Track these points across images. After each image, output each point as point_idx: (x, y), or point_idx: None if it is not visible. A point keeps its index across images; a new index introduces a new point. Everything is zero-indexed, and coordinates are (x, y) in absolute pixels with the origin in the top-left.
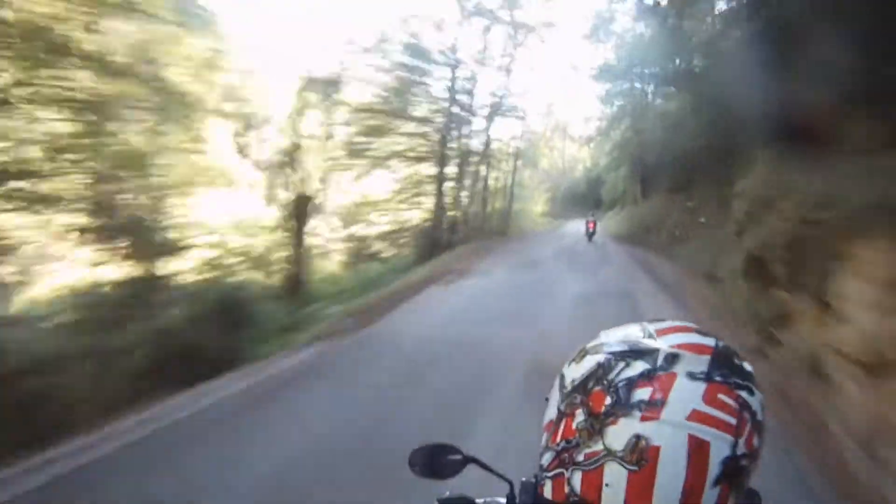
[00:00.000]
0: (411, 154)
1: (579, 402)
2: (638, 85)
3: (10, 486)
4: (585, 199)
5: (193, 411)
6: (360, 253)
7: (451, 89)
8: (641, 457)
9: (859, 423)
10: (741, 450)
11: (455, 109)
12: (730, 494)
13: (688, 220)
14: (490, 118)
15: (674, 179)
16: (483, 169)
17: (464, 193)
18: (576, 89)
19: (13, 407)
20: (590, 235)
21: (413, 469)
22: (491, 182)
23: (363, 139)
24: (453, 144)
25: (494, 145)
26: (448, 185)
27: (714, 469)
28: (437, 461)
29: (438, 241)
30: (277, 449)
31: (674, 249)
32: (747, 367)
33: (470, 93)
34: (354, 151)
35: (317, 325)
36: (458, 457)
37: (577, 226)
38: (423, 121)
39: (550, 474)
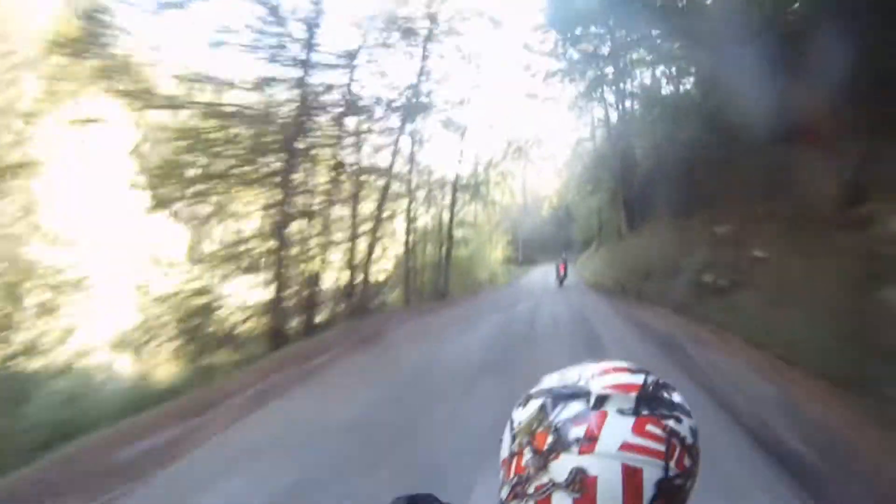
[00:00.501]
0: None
1: (526, 441)
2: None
3: None
4: (554, 239)
5: None
6: None
7: (307, 62)
8: (582, 486)
9: None
10: (673, 471)
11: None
12: None
13: (730, 257)
14: (404, 121)
15: (681, 197)
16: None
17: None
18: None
19: None
20: (560, 280)
21: None
22: (423, 221)
23: None
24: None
25: (416, 165)
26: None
27: (649, 491)
28: None
29: (280, 332)
30: None
31: (713, 309)
32: (676, 398)
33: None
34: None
35: None
36: None
37: (544, 275)
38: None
39: None
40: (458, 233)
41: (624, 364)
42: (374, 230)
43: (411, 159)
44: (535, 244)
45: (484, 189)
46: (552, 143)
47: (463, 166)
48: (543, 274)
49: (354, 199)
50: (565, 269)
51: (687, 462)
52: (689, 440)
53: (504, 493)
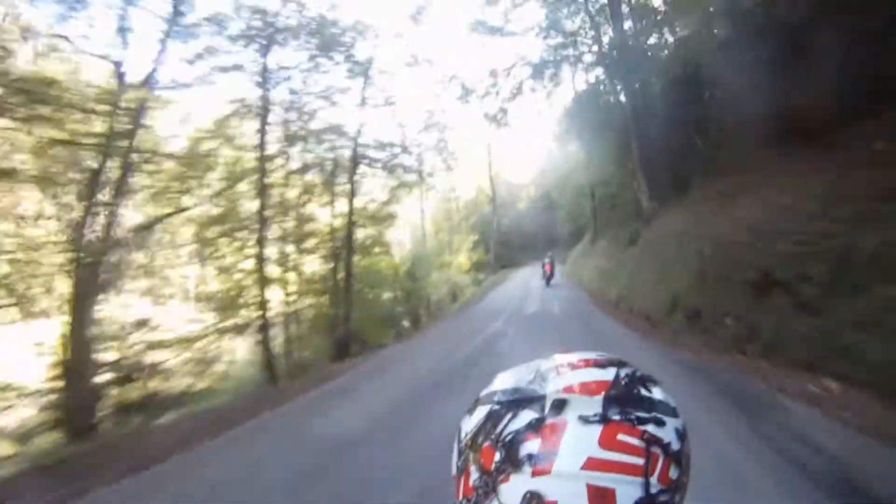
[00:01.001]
0: None
1: (472, 459)
2: None
3: None
4: (535, 238)
5: None
6: None
7: None
8: None
9: None
10: (656, 487)
11: None
12: None
13: None
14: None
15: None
16: None
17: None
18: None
19: None
20: (547, 280)
21: None
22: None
23: None
24: None
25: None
26: None
27: None
28: None
29: None
30: None
31: None
32: (657, 394)
33: None
34: None
35: None
36: None
37: (524, 284)
38: None
39: None
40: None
41: (591, 355)
42: None
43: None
44: (514, 244)
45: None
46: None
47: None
48: (523, 282)
49: None
50: (552, 269)
51: (673, 473)
52: (675, 446)
53: None
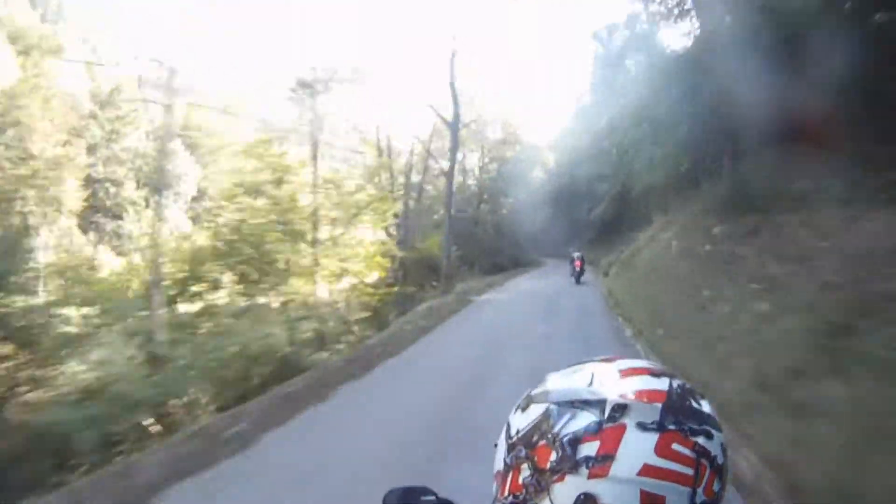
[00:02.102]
0: None
1: (524, 455)
2: None
3: None
4: (555, 223)
5: None
6: None
7: None
8: None
9: None
10: (700, 498)
11: None
12: None
13: None
14: None
15: None
16: None
17: None
18: None
19: None
20: (577, 277)
21: None
22: None
23: None
24: None
25: None
26: None
27: None
28: (411, 502)
29: None
30: None
31: None
32: (705, 407)
33: None
34: None
35: None
36: (432, 498)
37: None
38: None
39: None
40: None
41: (644, 364)
42: None
43: None
44: (519, 234)
45: None
46: None
47: None
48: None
49: None
50: (582, 265)
51: (716, 486)
52: (720, 460)
53: None
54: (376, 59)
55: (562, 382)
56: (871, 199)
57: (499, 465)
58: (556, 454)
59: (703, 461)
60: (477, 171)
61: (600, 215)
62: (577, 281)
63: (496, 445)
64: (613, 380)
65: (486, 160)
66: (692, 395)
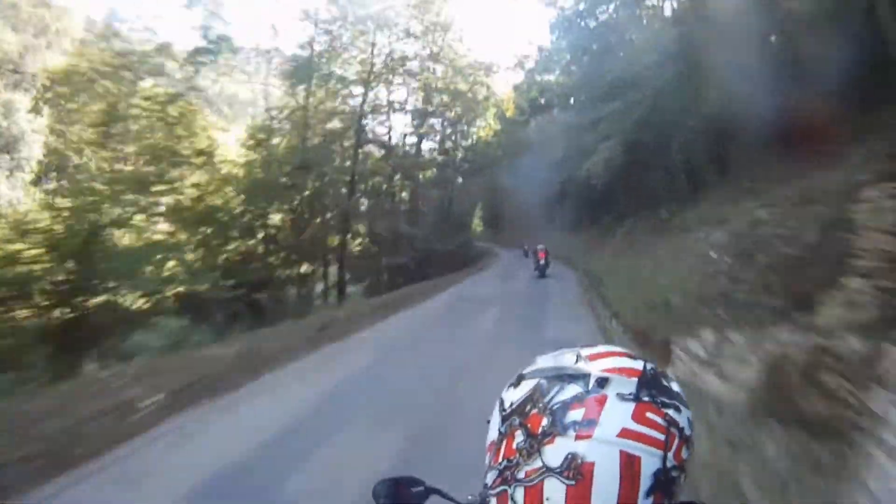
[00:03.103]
0: None
1: (518, 423)
2: None
3: None
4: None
5: None
6: None
7: None
8: (578, 472)
9: None
10: (671, 462)
11: None
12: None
13: None
14: None
15: None
16: None
17: None
18: None
19: None
20: (542, 270)
21: (377, 501)
22: None
23: None
24: None
25: None
26: None
27: (646, 481)
28: (400, 493)
29: None
30: None
31: None
32: (675, 387)
33: None
34: None
35: None
36: (421, 488)
37: None
38: None
39: (494, 492)
40: None
41: (620, 349)
42: None
43: None
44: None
45: None
46: None
47: None
48: None
49: None
50: (546, 256)
51: (684, 454)
52: (687, 431)
53: (490, 477)
54: None
55: (550, 361)
56: None
57: (492, 436)
58: (547, 420)
59: (673, 430)
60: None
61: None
62: (542, 274)
63: (489, 422)
64: (596, 359)
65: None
66: (664, 376)
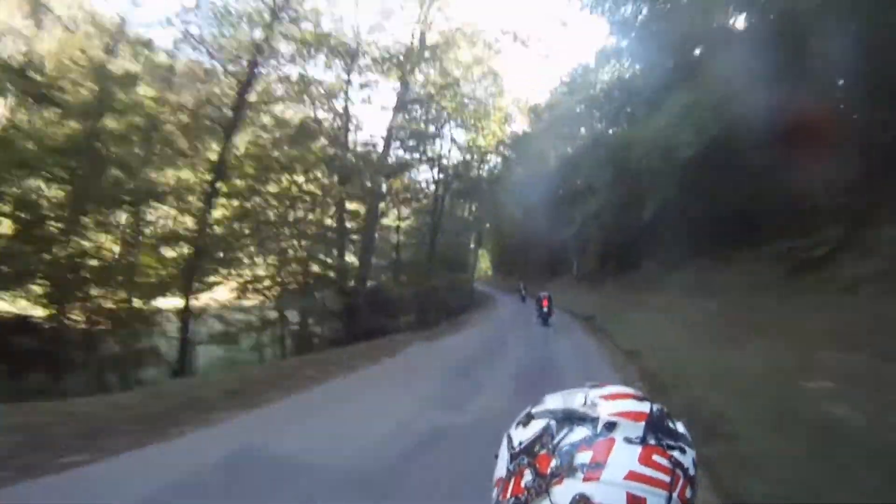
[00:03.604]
0: None
1: (527, 463)
2: None
3: None
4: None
5: None
6: None
7: None
8: None
9: None
10: (675, 502)
11: None
12: None
13: None
14: None
15: None
16: None
17: None
18: None
19: None
20: (544, 318)
21: None
22: None
23: None
24: None
25: None
26: None
27: None
28: None
29: None
30: None
31: None
32: (680, 428)
33: None
34: None
35: None
36: None
37: None
38: None
39: None
40: None
41: (628, 390)
42: None
43: None
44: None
45: None
46: None
47: None
48: None
49: None
50: (549, 304)
51: (688, 493)
52: (692, 472)
53: None
54: None
55: (560, 402)
56: None
57: (501, 472)
58: (556, 461)
59: (678, 471)
60: None
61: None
62: (545, 322)
63: (496, 456)
64: (604, 401)
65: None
66: (669, 417)
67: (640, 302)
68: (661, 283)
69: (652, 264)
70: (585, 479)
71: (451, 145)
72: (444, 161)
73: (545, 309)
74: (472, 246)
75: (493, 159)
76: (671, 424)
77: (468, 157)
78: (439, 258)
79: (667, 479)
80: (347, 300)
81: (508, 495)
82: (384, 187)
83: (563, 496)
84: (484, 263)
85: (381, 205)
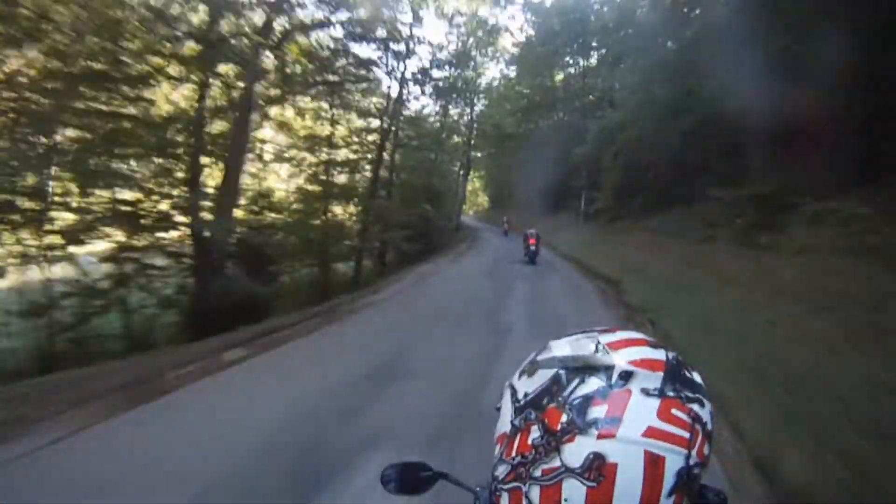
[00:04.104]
0: None
1: (534, 417)
2: None
3: None
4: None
5: None
6: None
7: None
8: (599, 473)
9: None
10: (693, 460)
11: None
12: (683, 502)
13: None
14: None
15: None
16: None
17: None
18: None
19: None
20: (531, 257)
21: (386, 486)
22: None
23: None
24: None
25: None
26: None
27: (669, 481)
28: (408, 477)
29: None
30: None
31: None
32: (697, 378)
33: None
34: None
35: None
36: (429, 473)
37: None
38: None
39: (507, 487)
40: None
41: (640, 335)
42: None
43: None
44: None
45: None
46: None
47: None
48: None
49: None
50: (537, 242)
51: (706, 450)
52: (709, 426)
53: (501, 471)
54: None
55: (567, 349)
56: None
57: (504, 427)
58: (566, 416)
59: (697, 426)
60: None
61: None
62: (532, 261)
63: (498, 409)
64: (616, 348)
65: None
66: (685, 367)
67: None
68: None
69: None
70: (600, 437)
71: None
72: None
73: (532, 247)
74: (461, 175)
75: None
76: (688, 374)
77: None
78: (401, 186)
79: (686, 435)
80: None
81: (514, 453)
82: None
83: (575, 455)
84: (482, 198)
85: (264, 89)
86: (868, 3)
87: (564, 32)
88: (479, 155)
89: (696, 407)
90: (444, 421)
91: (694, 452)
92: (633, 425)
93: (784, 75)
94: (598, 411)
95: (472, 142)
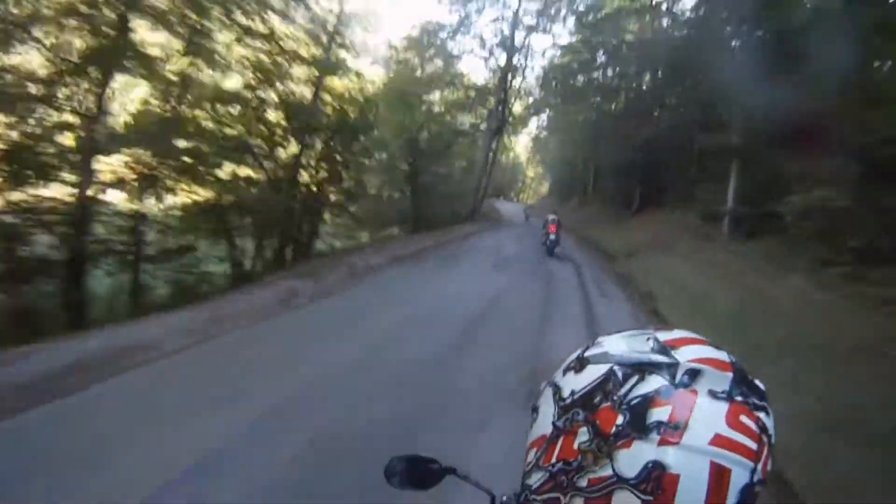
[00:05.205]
0: None
1: (583, 418)
2: None
3: None
4: None
5: None
6: None
7: None
8: (658, 485)
9: None
10: (758, 476)
11: None
12: None
13: None
14: None
15: None
16: None
17: None
18: None
19: None
20: (551, 247)
21: (390, 480)
22: None
23: None
24: None
25: None
26: None
27: (732, 498)
28: (415, 471)
29: None
30: None
31: None
32: (761, 385)
33: None
34: None
35: None
36: (437, 467)
37: None
38: None
39: (542, 498)
40: None
41: (697, 335)
42: None
43: None
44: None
45: None
46: None
47: None
48: None
49: None
50: (557, 230)
51: (769, 466)
52: (774, 439)
53: (536, 479)
54: None
55: (623, 345)
56: None
57: (544, 429)
58: (622, 417)
59: (765, 437)
60: None
61: None
62: (551, 253)
63: (534, 409)
64: (676, 346)
65: None
66: (749, 372)
67: None
68: None
69: None
70: (661, 443)
71: None
72: None
73: (553, 236)
74: (493, 147)
75: None
76: (753, 380)
77: None
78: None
79: (754, 446)
80: None
81: (554, 459)
82: None
83: (631, 463)
84: (544, 188)
85: None
86: None
87: None
88: (543, 120)
89: (763, 416)
90: None
91: (759, 467)
92: (700, 431)
93: None
94: (660, 413)
95: (518, 92)
